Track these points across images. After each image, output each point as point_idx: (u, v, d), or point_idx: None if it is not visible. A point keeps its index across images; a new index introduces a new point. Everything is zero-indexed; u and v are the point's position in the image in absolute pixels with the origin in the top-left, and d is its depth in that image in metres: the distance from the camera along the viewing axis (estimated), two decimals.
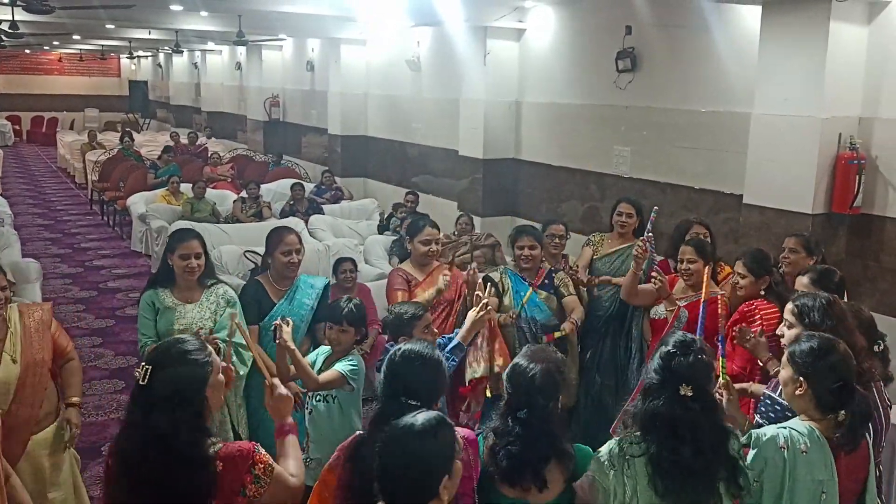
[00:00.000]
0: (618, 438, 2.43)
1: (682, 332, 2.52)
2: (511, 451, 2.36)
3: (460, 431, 2.33)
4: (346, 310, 3.51)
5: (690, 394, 2.30)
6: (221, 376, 2.34)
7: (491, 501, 2.42)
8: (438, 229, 4.59)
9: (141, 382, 2.19)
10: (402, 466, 1.96)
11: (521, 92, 8.64)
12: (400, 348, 2.50)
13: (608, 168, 7.46)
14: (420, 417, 2.04)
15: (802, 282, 3.57)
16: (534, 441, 2.35)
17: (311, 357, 3.63)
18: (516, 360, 2.52)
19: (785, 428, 2.52)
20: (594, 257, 5.16)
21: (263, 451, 2.28)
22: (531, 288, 4.39)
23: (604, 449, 2.42)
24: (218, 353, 2.58)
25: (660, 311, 4.37)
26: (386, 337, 3.77)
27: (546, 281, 4.50)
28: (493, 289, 4.07)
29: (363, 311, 3.61)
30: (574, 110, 7.86)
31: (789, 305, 3.05)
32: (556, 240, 5.01)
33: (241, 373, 3.69)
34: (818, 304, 2.93)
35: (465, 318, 3.71)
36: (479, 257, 6.91)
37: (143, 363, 2.23)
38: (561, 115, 8.07)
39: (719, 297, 3.85)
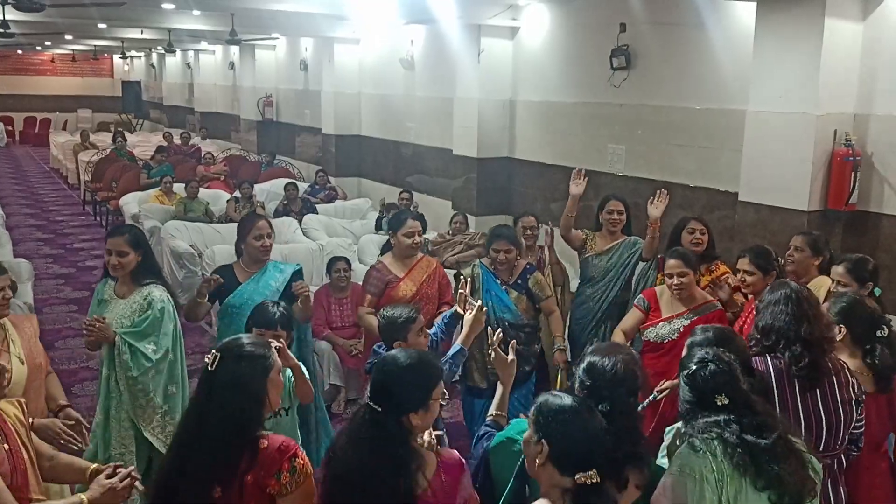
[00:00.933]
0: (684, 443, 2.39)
1: (697, 350, 2.55)
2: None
3: (444, 453, 2.31)
4: (277, 314, 3.49)
5: (727, 401, 2.36)
6: (281, 377, 2.54)
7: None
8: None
9: (210, 368, 2.38)
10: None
11: (515, 90, 8.61)
12: (386, 354, 2.45)
13: (603, 166, 7.43)
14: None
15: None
16: (617, 436, 2.21)
17: None
18: (590, 357, 2.47)
19: None
20: (587, 255, 5.16)
21: (305, 454, 2.42)
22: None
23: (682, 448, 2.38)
24: None
25: (660, 333, 4.20)
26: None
27: (519, 281, 4.54)
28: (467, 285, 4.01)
29: (291, 313, 3.68)
30: (568, 108, 7.84)
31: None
32: (528, 231, 5.21)
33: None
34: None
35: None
36: (473, 256, 6.89)
37: (213, 350, 2.44)
38: (555, 113, 8.04)
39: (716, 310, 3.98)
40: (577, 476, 2.02)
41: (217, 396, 2.33)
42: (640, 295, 4.42)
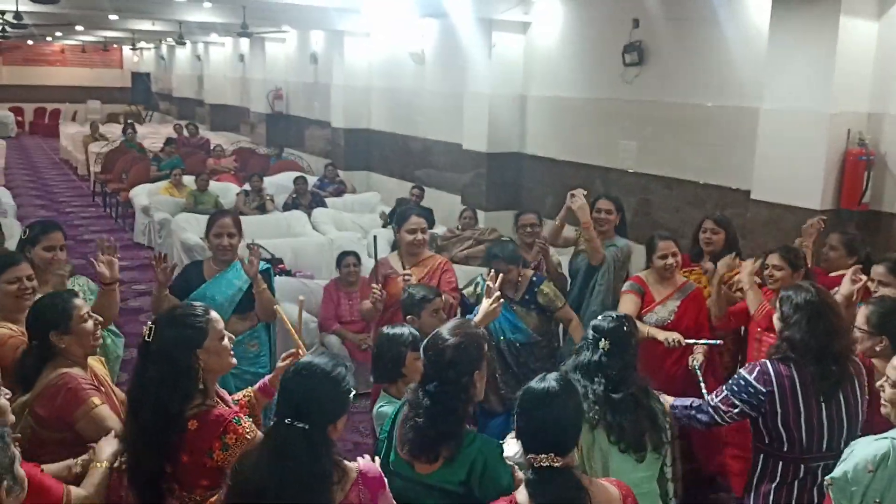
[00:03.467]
0: None
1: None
2: (416, 424, 2.45)
3: (365, 467, 2.23)
4: None
5: (608, 346, 2.82)
6: (225, 342, 2.53)
7: (392, 458, 2.54)
8: (432, 218, 4.59)
9: (146, 339, 2.42)
10: None
11: (527, 85, 8.59)
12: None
13: (613, 163, 7.41)
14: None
15: (878, 270, 3.63)
16: (437, 417, 2.41)
17: None
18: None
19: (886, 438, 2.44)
20: (575, 250, 5.08)
21: (245, 424, 2.42)
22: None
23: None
24: None
25: (660, 316, 4.22)
26: None
27: (527, 296, 4.32)
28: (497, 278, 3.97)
29: None
30: (580, 104, 7.82)
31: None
32: (529, 229, 4.97)
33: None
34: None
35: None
36: (483, 252, 6.88)
37: (150, 322, 2.50)
38: (566, 109, 8.02)
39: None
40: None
41: (151, 368, 2.39)
42: (630, 281, 4.39)
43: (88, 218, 12.21)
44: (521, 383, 3.32)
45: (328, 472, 2.10)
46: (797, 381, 2.88)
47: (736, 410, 2.92)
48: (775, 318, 3.09)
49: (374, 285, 4.14)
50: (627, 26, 6.97)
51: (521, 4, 8.12)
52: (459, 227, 7.98)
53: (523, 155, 8.70)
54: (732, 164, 6.19)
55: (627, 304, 4.22)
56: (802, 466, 2.89)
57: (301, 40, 14.14)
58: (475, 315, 3.38)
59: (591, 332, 2.91)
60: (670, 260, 4.19)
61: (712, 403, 2.98)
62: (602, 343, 2.83)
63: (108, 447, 2.49)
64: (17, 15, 9.04)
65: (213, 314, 2.56)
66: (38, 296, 3.09)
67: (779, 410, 2.86)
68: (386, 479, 2.27)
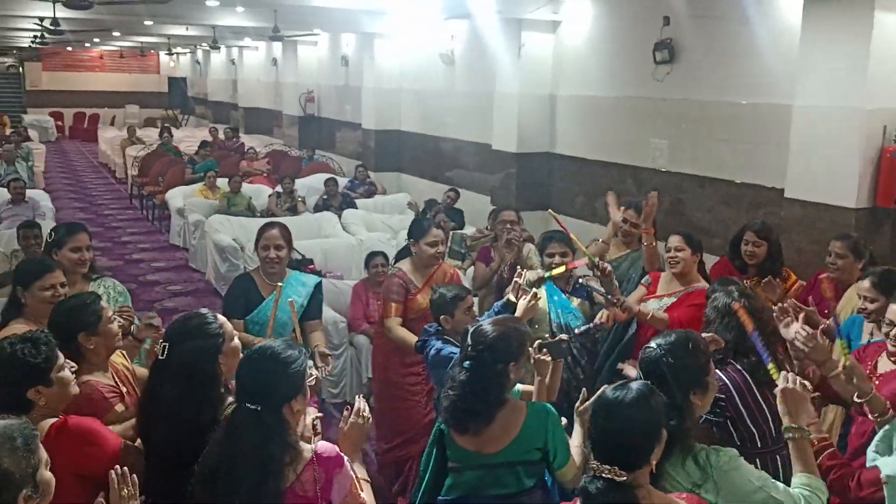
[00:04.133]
0: None
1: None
2: (449, 395, 2.63)
3: (320, 447, 2.27)
4: None
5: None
6: (236, 342, 2.57)
7: (451, 454, 2.67)
8: (462, 218, 4.55)
9: (160, 357, 2.43)
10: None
11: (556, 85, 8.55)
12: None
13: (645, 162, 7.35)
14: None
15: (863, 286, 3.48)
16: (468, 393, 2.57)
17: None
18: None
19: None
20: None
21: None
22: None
23: None
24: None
25: (648, 306, 4.15)
26: None
27: (578, 286, 4.34)
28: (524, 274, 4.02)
29: None
30: (610, 103, 7.76)
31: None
32: (508, 226, 4.94)
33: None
34: None
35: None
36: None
37: (162, 340, 2.50)
38: (596, 107, 7.97)
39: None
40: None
41: (169, 385, 2.39)
42: (647, 276, 4.42)
43: (126, 220, 12.44)
44: (571, 373, 3.32)
45: (277, 452, 2.15)
46: (731, 386, 2.87)
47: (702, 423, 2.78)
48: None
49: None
50: (658, 24, 6.90)
51: (551, 4, 8.07)
52: (489, 227, 7.98)
53: (553, 154, 8.66)
54: (766, 161, 6.10)
55: (633, 294, 4.33)
56: (778, 458, 2.88)
57: (332, 43, 14.25)
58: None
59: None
60: (672, 253, 4.14)
61: None
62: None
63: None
64: (55, 21, 9.23)
65: (221, 317, 2.60)
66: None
67: (744, 411, 2.86)
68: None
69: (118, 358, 3.01)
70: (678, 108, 6.92)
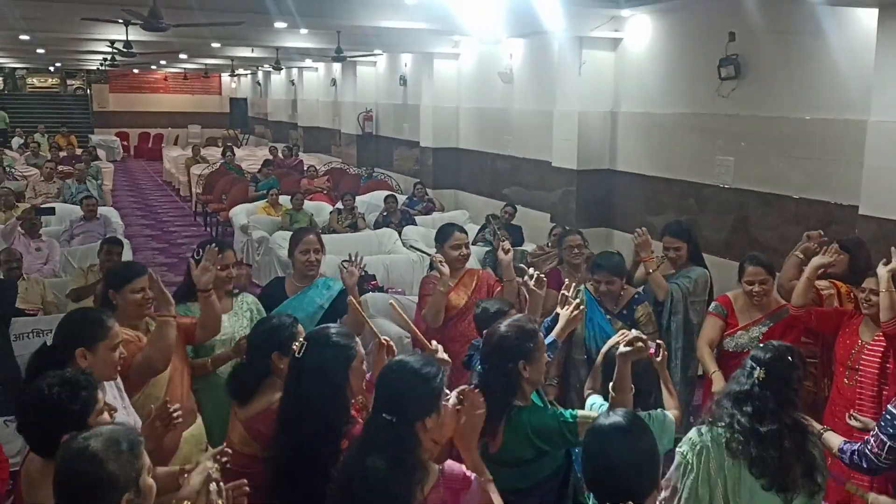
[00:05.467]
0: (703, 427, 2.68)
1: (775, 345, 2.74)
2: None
3: (448, 467, 2.25)
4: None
5: (763, 376, 2.61)
6: (364, 366, 2.66)
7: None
8: (521, 235, 4.55)
9: (297, 355, 2.54)
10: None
11: (617, 102, 8.51)
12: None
13: (708, 178, 7.25)
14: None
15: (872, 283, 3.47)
16: (486, 392, 2.53)
17: None
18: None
19: None
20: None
21: None
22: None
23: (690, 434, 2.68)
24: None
25: (739, 342, 4.06)
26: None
27: (625, 311, 4.28)
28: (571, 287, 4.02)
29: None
30: (673, 119, 7.69)
31: None
32: (575, 250, 4.88)
33: None
34: None
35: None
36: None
37: (302, 339, 2.61)
38: (659, 124, 7.90)
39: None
40: None
41: (305, 383, 2.48)
42: (715, 302, 4.23)
43: (190, 237, 12.74)
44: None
45: (409, 466, 2.15)
46: None
47: (886, 451, 2.74)
48: None
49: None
50: (723, 40, 6.82)
51: (612, 21, 8.07)
52: (549, 244, 7.96)
53: (614, 172, 8.61)
54: (838, 178, 5.95)
55: (708, 329, 4.14)
56: None
57: (391, 63, 14.46)
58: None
59: (749, 361, 2.72)
60: (757, 288, 4.00)
61: (868, 446, 2.80)
62: (757, 372, 2.64)
63: (196, 478, 2.33)
64: (127, 44, 9.59)
65: (357, 338, 2.69)
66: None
67: None
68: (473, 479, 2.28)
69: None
70: (745, 124, 6.82)
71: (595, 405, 2.87)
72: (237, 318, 3.78)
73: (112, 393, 2.80)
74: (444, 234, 4.48)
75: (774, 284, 4.14)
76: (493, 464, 2.55)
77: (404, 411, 2.19)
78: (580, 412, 2.71)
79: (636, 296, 4.38)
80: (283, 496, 2.50)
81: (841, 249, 4.10)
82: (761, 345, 2.79)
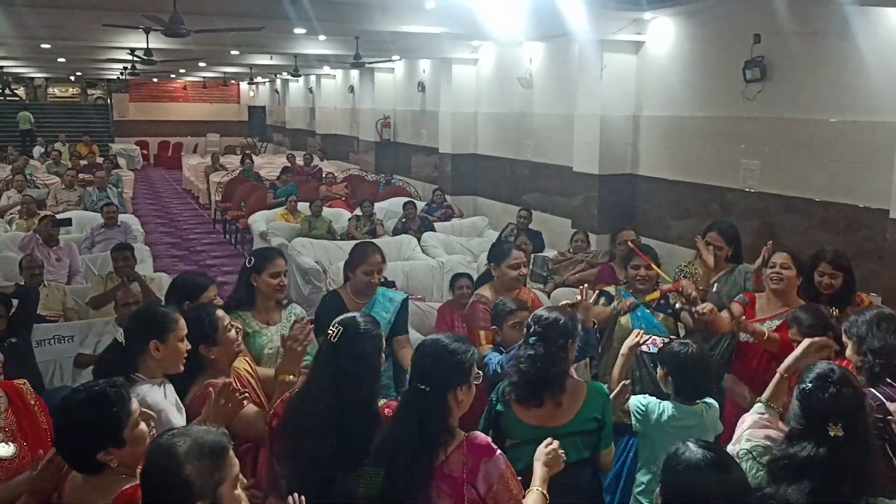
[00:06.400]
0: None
1: (822, 363, 2.31)
2: (520, 369, 2.91)
3: (472, 434, 2.50)
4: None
5: (841, 433, 2.06)
6: (382, 357, 2.75)
7: (510, 432, 2.93)
8: (541, 241, 4.49)
9: (333, 340, 2.62)
10: None
11: (640, 105, 8.42)
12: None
13: (733, 182, 7.13)
14: None
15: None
16: (538, 365, 2.89)
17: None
18: (538, 311, 3.06)
19: None
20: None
21: None
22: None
23: None
24: None
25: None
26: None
27: (662, 301, 4.30)
28: (602, 298, 4.21)
29: None
30: (697, 123, 7.59)
31: None
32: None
33: None
34: None
35: None
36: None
37: (336, 324, 2.68)
38: (682, 128, 7.80)
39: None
40: None
41: (342, 366, 2.58)
42: (741, 295, 4.24)
43: (210, 244, 12.77)
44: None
45: (437, 430, 2.41)
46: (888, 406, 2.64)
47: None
48: (849, 350, 2.94)
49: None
50: (748, 42, 6.72)
51: (634, 24, 7.99)
52: (571, 250, 7.88)
53: (637, 176, 8.51)
54: (867, 181, 5.82)
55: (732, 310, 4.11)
56: None
57: (409, 69, 14.44)
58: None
59: (800, 407, 2.20)
60: (777, 270, 3.97)
61: None
62: (832, 429, 2.07)
63: None
64: (148, 52, 9.62)
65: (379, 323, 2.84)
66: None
67: None
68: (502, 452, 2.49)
69: (241, 363, 3.18)
70: (770, 127, 6.70)
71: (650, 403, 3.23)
72: (286, 332, 3.64)
73: (171, 396, 2.80)
74: (501, 253, 4.23)
75: (798, 281, 4.03)
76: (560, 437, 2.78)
77: (437, 382, 2.46)
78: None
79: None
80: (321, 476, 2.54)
81: (834, 270, 3.99)
82: (815, 375, 2.21)
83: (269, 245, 9.99)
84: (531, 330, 2.98)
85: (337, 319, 2.72)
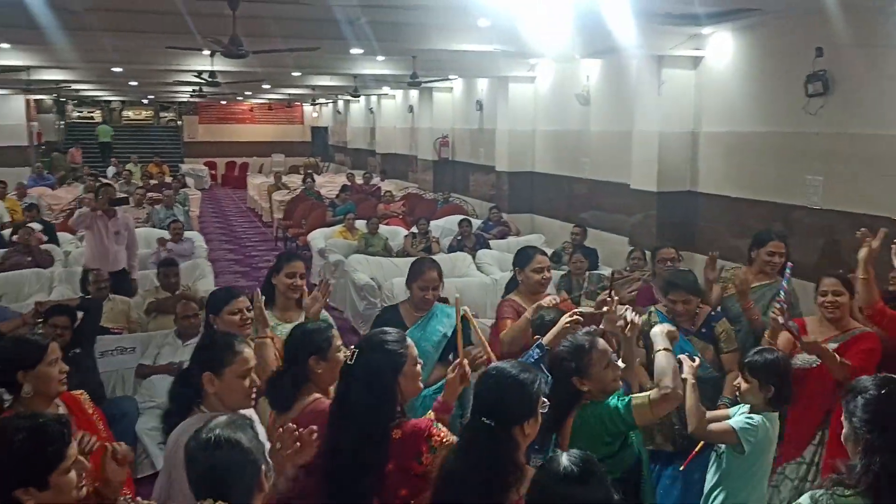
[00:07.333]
0: (827, 492, 2.19)
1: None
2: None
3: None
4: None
5: None
6: (418, 368, 2.65)
7: None
8: (596, 258, 4.49)
9: (349, 362, 2.57)
10: None
11: (698, 121, 8.27)
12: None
13: (795, 199, 6.93)
14: None
15: None
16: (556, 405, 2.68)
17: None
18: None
19: None
20: (725, 295, 4.64)
21: (443, 428, 2.56)
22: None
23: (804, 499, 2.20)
24: None
25: (799, 358, 3.84)
26: None
27: (703, 329, 4.14)
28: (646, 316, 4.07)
29: None
30: (757, 138, 7.41)
31: None
32: (668, 263, 4.91)
33: None
34: None
35: None
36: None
37: (353, 347, 2.63)
38: (743, 144, 7.63)
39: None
40: None
41: (354, 390, 2.51)
42: (792, 321, 4.01)
43: (271, 261, 12.96)
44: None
45: (506, 469, 2.24)
46: None
47: None
48: None
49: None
50: (810, 55, 6.55)
51: (692, 39, 7.87)
52: (628, 268, 7.75)
53: (696, 193, 8.34)
54: None
55: (782, 340, 3.91)
56: None
57: (466, 88, 14.53)
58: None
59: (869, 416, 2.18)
60: (830, 298, 3.83)
61: None
62: None
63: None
64: (212, 74, 9.95)
65: (409, 340, 2.70)
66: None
67: None
68: None
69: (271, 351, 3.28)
70: (834, 142, 6.50)
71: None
72: None
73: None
74: (525, 257, 4.29)
75: (851, 303, 3.90)
76: None
77: (503, 416, 2.30)
78: (634, 395, 2.85)
79: (713, 314, 4.26)
80: (330, 498, 2.52)
81: None
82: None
83: (326, 260, 10.16)
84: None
85: (362, 338, 2.72)
